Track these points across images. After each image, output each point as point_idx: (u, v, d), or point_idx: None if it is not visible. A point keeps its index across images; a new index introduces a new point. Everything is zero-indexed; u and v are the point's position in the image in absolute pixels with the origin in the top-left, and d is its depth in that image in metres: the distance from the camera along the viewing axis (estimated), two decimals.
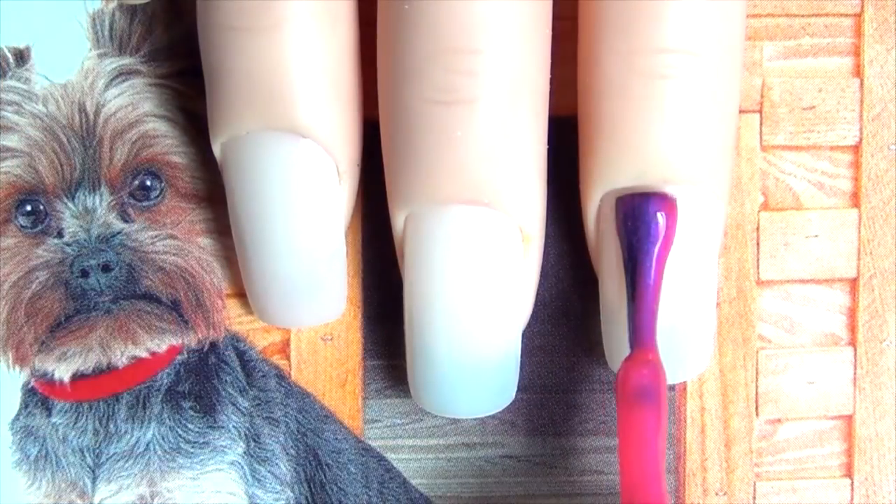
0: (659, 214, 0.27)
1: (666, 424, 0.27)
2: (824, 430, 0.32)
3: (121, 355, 0.29)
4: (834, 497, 0.32)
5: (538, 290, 0.29)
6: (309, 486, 0.31)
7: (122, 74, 0.29)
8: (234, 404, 0.30)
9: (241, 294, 0.30)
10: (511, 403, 0.29)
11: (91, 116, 0.29)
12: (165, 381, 0.30)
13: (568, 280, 0.31)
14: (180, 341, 0.30)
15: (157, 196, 0.29)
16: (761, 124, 0.31)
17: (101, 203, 0.29)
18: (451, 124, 0.26)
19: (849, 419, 0.32)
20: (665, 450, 0.27)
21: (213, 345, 0.30)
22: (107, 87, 0.29)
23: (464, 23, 0.25)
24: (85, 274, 0.28)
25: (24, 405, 0.31)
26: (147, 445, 0.30)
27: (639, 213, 0.27)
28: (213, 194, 0.30)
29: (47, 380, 0.30)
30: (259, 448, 0.30)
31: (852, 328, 0.32)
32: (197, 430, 0.30)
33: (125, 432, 0.30)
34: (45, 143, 0.29)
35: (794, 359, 0.32)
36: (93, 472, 0.30)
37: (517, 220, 0.27)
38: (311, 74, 0.27)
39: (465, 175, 0.26)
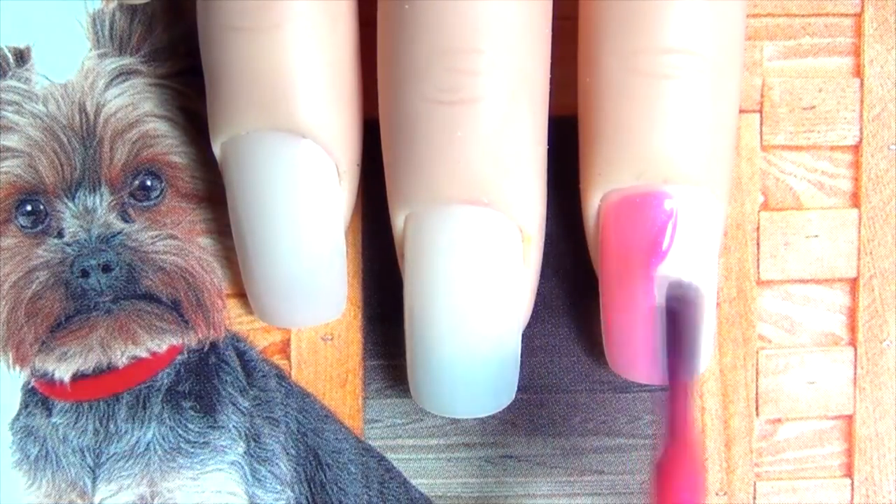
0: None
1: None
2: (824, 430, 0.32)
3: (121, 355, 0.29)
4: (834, 497, 0.32)
5: (538, 290, 0.29)
6: (309, 486, 0.31)
7: (123, 74, 0.29)
8: (234, 404, 0.30)
9: (241, 294, 0.30)
10: (511, 403, 0.29)
11: (91, 116, 0.29)
12: (166, 381, 0.30)
13: (568, 280, 0.31)
14: (180, 341, 0.30)
15: (158, 196, 0.29)
16: (761, 124, 0.31)
17: (101, 203, 0.29)
18: (451, 124, 0.26)
19: (849, 419, 0.32)
20: None
21: (214, 345, 0.30)
22: (107, 87, 0.29)
23: (465, 23, 0.25)
24: (85, 274, 0.28)
25: (25, 405, 0.31)
26: (147, 445, 0.30)
27: (680, 305, 0.27)
28: (214, 194, 0.30)
29: (47, 380, 0.30)
30: (259, 448, 0.30)
31: (852, 328, 0.32)
32: (197, 430, 0.30)
33: (125, 432, 0.30)
34: (46, 143, 0.29)
35: (794, 359, 0.32)
36: (93, 472, 0.30)
37: (517, 220, 0.27)
38: (312, 74, 0.27)
39: (465, 175, 0.26)
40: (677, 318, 0.27)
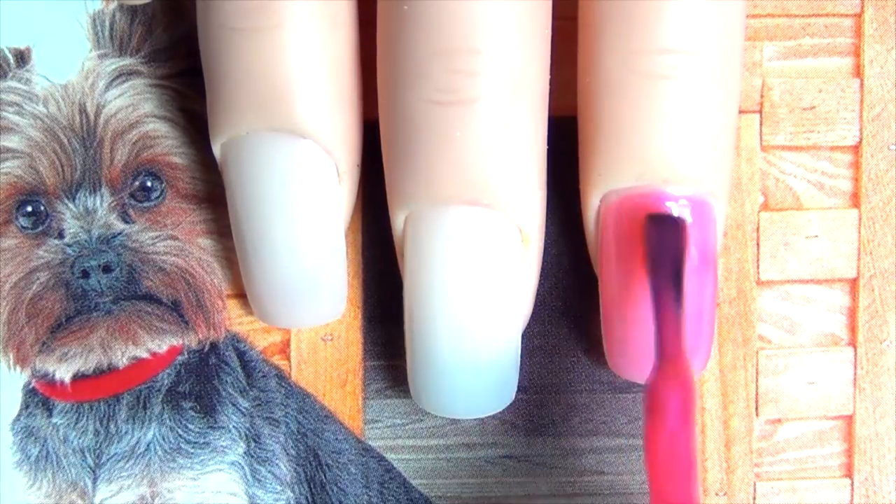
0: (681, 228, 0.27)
1: (695, 437, 0.27)
2: (824, 430, 0.32)
3: (121, 356, 0.29)
4: (834, 497, 0.32)
5: (538, 290, 0.29)
6: (309, 487, 0.31)
7: (123, 75, 0.29)
8: (234, 405, 0.30)
9: (241, 295, 0.30)
10: (511, 403, 0.29)
11: (91, 117, 0.29)
12: (166, 381, 0.30)
13: (568, 280, 0.31)
14: (181, 342, 0.30)
15: (158, 197, 0.29)
16: (761, 124, 0.31)
17: (101, 204, 0.29)
18: (450, 124, 0.26)
19: (849, 419, 0.32)
20: (696, 463, 0.27)
21: (214, 345, 0.30)
22: (107, 87, 0.29)
23: (463, 23, 0.25)
24: (86, 275, 0.28)
25: (25, 406, 0.31)
26: (147, 446, 0.30)
27: (663, 228, 0.27)
28: (214, 195, 0.30)
29: (48, 380, 0.30)
30: (259, 448, 0.30)
31: (852, 328, 0.32)
32: (197, 430, 0.30)
33: (126, 433, 0.30)
34: (46, 143, 0.29)
35: (794, 359, 0.32)
36: (93, 472, 0.30)
37: (517, 220, 0.27)
38: (311, 75, 0.27)
39: (464, 175, 0.26)
40: (661, 235, 0.27)
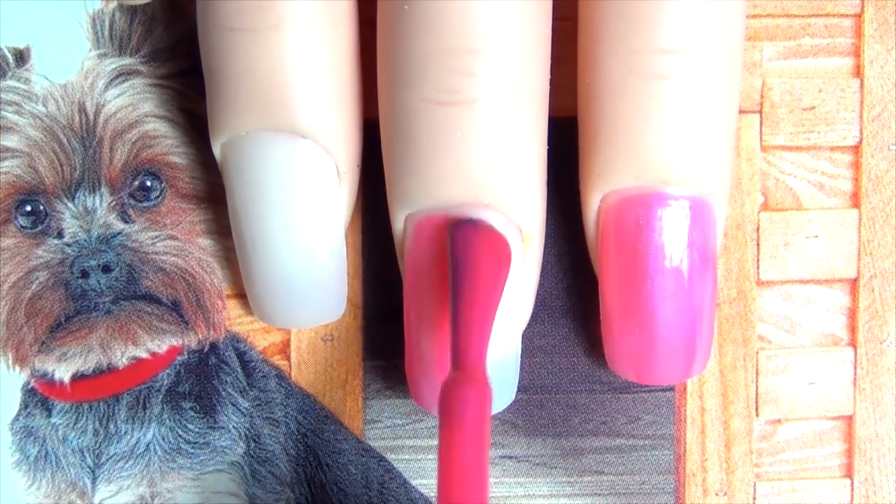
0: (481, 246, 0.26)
1: (487, 444, 0.25)
2: (824, 430, 0.32)
3: (121, 356, 0.29)
4: (834, 497, 0.32)
5: (538, 290, 0.29)
6: (309, 487, 0.31)
7: (123, 75, 0.29)
8: (234, 405, 0.30)
9: (241, 295, 0.30)
10: (511, 403, 0.29)
11: (91, 117, 0.29)
12: (166, 381, 0.30)
13: (568, 280, 0.31)
14: (180, 342, 0.30)
15: (158, 196, 0.29)
16: (761, 124, 0.31)
17: (101, 203, 0.29)
18: (451, 125, 0.26)
19: (849, 419, 0.32)
20: (487, 470, 0.25)
21: (214, 345, 0.30)
22: (107, 87, 0.29)
23: (464, 23, 0.25)
24: (85, 274, 0.28)
25: (24, 405, 0.31)
26: (147, 446, 0.30)
27: (459, 242, 0.26)
28: (214, 195, 0.30)
29: (47, 380, 0.30)
30: (259, 448, 0.30)
31: (852, 328, 0.32)
32: (197, 430, 0.30)
33: (125, 433, 0.30)
34: (45, 143, 0.29)
35: (794, 359, 0.32)
36: (93, 472, 0.30)
37: (517, 220, 0.27)
38: (311, 75, 0.27)
39: (464, 176, 0.26)
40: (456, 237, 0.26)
